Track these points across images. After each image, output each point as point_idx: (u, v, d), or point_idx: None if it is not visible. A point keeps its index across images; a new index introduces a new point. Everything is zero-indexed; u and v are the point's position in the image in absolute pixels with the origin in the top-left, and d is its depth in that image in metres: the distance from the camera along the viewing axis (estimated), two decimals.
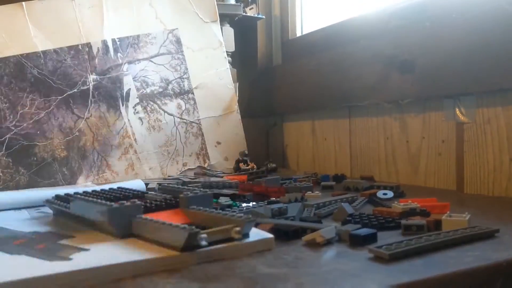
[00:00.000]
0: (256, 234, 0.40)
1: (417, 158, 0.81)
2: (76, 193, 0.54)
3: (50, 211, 0.59)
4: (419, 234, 0.41)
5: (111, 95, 0.99)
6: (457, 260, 0.35)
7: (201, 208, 0.45)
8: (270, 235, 0.40)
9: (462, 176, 0.72)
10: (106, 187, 0.64)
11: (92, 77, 0.98)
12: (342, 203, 0.53)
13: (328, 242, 0.40)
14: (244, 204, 0.59)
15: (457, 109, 0.73)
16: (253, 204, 0.59)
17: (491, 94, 0.67)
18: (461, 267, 0.33)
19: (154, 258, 0.35)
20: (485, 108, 0.69)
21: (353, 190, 0.71)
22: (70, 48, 0.98)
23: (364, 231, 0.41)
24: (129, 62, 1.02)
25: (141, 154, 1.00)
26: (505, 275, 0.34)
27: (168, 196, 0.51)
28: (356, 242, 0.39)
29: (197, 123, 1.05)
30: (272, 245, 0.39)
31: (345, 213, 0.50)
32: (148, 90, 1.02)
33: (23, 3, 0.97)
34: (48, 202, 0.58)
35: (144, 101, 1.01)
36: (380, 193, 0.64)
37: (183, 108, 1.04)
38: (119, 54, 1.01)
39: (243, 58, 1.28)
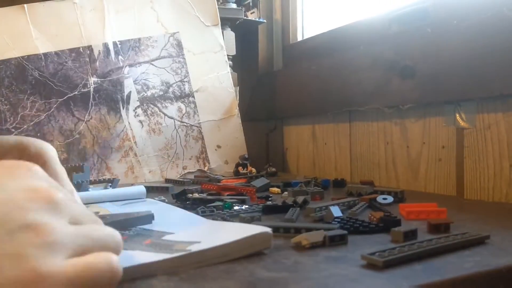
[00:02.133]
0: (250, 229, 0.40)
1: (417, 163, 0.81)
2: None
3: None
4: (411, 240, 0.41)
5: (111, 98, 1.00)
6: (456, 266, 0.35)
7: None
8: (268, 229, 0.39)
9: (462, 181, 0.72)
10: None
11: (93, 80, 0.99)
12: (331, 207, 0.54)
13: (315, 246, 0.40)
14: (236, 207, 0.58)
15: (457, 115, 0.73)
16: (245, 207, 0.59)
17: (492, 100, 0.67)
18: (461, 272, 0.33)
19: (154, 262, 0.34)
20: (486, 114, 0.69)
21: (356, 195, 0.71)
22: (71, 50, 0.98)
23: (333, 232, 0.42)
24: (130, 65, 1.02)
25: (141, 157, 1.00)
26: (505, 280, 0.34)
27: None
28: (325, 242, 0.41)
29: (197, 127, 1.05)
30: (270, 241, 0.39)
31: (332, 216, 0.51)
32: (148, 93, 1.02)
33: (25, 5, 0.97)
34: None
35: (144, 104, 1.02)
36: (380, 198, 0.64)
37: (184, 111, 1.04)
38: (120, 57, 1.01)
39: (244, 62, 1.29)
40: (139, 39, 1.03)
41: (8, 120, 0.93)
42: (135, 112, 1.01)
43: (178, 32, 1.06)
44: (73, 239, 0.27)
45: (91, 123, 0.97)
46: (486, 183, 0.69)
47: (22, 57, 0.95)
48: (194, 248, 0.37)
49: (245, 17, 1.20)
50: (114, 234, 0.29)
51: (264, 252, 0.39)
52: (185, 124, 1.04)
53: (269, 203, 0.61)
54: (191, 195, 0.68)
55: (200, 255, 0.36)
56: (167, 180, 0.97)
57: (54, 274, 0.25)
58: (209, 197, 0.67)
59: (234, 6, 1.17)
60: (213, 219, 0.52)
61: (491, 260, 0.36)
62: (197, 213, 0.54)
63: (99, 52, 1.00)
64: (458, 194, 0.73)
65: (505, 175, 0.66)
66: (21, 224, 0.25)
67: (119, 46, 1.01)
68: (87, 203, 0.62)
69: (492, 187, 0.68)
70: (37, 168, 0.30)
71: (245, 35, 1.28)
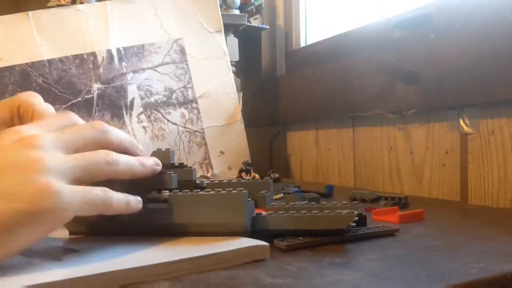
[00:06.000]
0: (250, 241, 0.39)
1: (421, 169, 0.81)
2: None
3: None
4: None
5: (115, 104, 1.00)
6: (461, 272, 0.34)
7: None
8: (265, 243, 0.39)
9: (467, 187, 0.72)
10: None
11: (96, 86, 0.99)
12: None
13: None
14: None
15: (461, 120, 0.73)
16: None
17: (496, 105, 0.67)
18: (465, 278, 0.33)
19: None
20: (489, 119, 0.68)
21: (360, 201, 0.71)
22: (75, 57, 0.99)
23: None
24: (134, 71, 1.02)
25: None
26: (510, 286, 0.34)
27: None
28: None
29: (200, 133, 1.05)
30: (267, 253, 0.39)
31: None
32: (152, 99, 1.02)
33: (30, 12, 0.98)
34: None
35: (148, 110, 1.02)
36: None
37: (187, 117, 1.04)
38: (123, 63, 1.01)
39: (247, 68, 1.29)
40: (143, 45, 1.03)
41: None
42: (139, 118, 1.01)
43: (181, 38, 1.06)
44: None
45: None
46: (490, 189, 0.68)
47: (27, 63, 0.96)
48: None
49: (248, 23, 1.20)
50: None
51: (267, 258, 0.38)
52: (188, 130, 1.04)
53: None
54: None
55: (194, 262, 0.35)
56: None
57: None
58: None
59: (237, 12, 1.18)
60: None
61: (495, 266, 0.36)
62: None
63: (103, 59, 1.00)
64: (462, 199, 0.73)
65: (509, 180, 0.66)
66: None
67: (122, 52, 1.02)
68: None
69: (497, 193, 0.67)
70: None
71: (248, 41, 1.28)
